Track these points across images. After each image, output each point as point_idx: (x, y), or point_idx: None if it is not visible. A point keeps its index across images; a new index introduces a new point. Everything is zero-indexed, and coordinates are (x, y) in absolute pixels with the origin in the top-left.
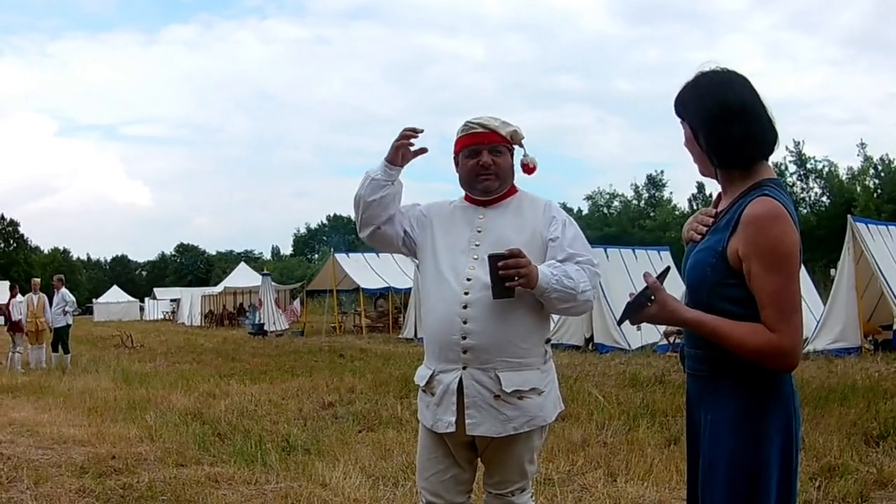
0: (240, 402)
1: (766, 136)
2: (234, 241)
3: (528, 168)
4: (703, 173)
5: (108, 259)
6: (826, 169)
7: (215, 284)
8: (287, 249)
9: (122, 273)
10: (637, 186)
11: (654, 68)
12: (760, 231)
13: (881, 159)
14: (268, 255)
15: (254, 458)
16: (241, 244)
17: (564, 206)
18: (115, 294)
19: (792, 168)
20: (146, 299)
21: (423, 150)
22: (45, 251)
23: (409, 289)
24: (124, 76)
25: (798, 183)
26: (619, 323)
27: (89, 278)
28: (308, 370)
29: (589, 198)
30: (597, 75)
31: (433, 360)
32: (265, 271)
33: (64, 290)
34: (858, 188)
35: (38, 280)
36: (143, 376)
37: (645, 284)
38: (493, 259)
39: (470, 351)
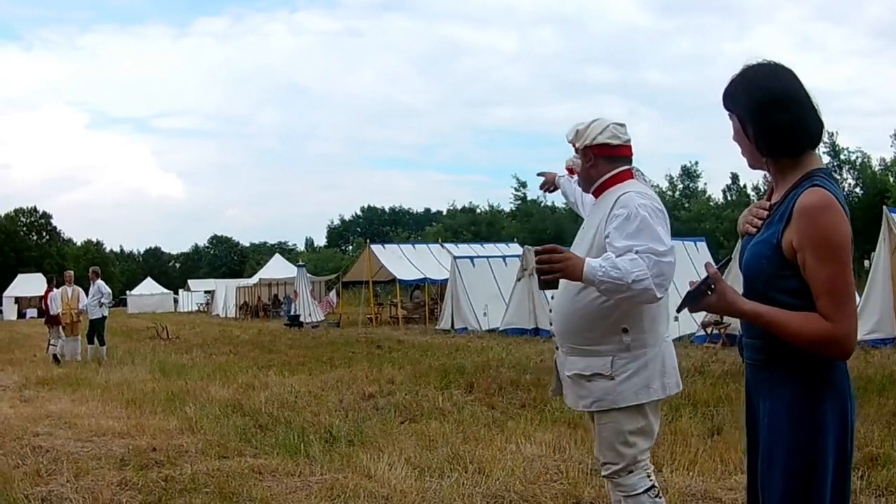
0: (279, 394)
1: (812, 125)
2: (266, 233)
3: (569, 170)
4: (752, 166)
5: (142, 251)
6: (859, 160)
7: (249, 276)
8: (321, 241)
9: (156, 265)
10: (672, 177)
11: (685, 60)
12: (812, 222)
13: None
14: (301, 247)
15: (297, 449)
16: (275, 236)
17: None
18: (148, 286)
19: (825, 159)
20: (180, 291)
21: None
22: (78, 243)
23: (446, 280)
24: (155, 69)
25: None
26: (678, 311)
27: (122, 270)
28: (346, 361)
29: None
30: (627, 67)
31: None
32: (300, 263)
33: (100, 281)
34: (892, 179)
35: (72, 272)
36: (179, 368)
37: (706, 274)
38: (534, 254)
39: (555, 335)
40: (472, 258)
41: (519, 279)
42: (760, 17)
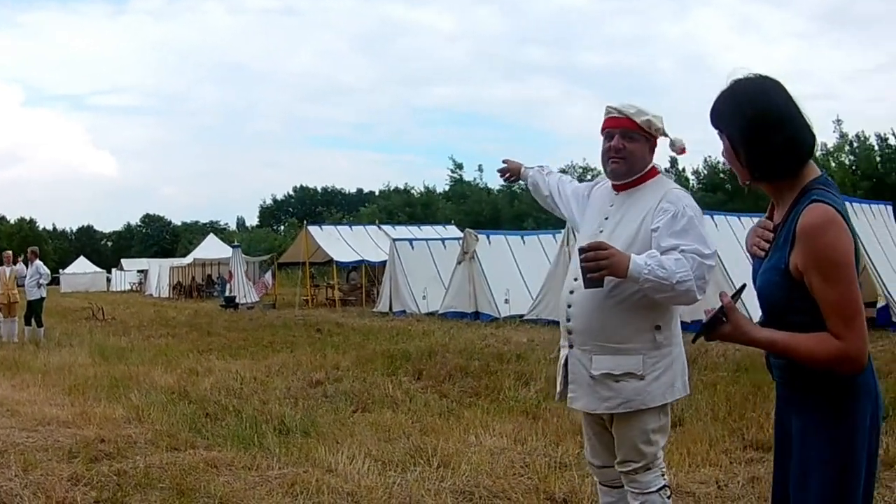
0: (224, 380)
1: (805, 139)
2: (199, 212)
3: (680, 150)
4: (743, 183)
5: (74, 229)
6: None
7: (182, 255)
8: (252, 220)
9: (88, 243)
10: None
11: (623, 41)
12: (815, 242)
13: (857, 136)
14: (233, 226)
15: (250, 441)
16: (207, 215)
17: None
18: (81, 265)
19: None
20: (113, 270)
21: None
22: (11, 221)
23: (384, 262)
24: (93, 46)
25: None
26: (694, 341)
27: (55, 249)
28: (288, 345)
29: (563, 171)
30: (565, 48)
31: (561, 335)
32: (235, 243)
33: (38, 262)
34: (833, 164)
35: (11, 252)
36: (119, 351)
37: (720, 304)
38: (579, 252)
39: (573, 332)
40: (411, 241)
41: (459, 262)
42: None
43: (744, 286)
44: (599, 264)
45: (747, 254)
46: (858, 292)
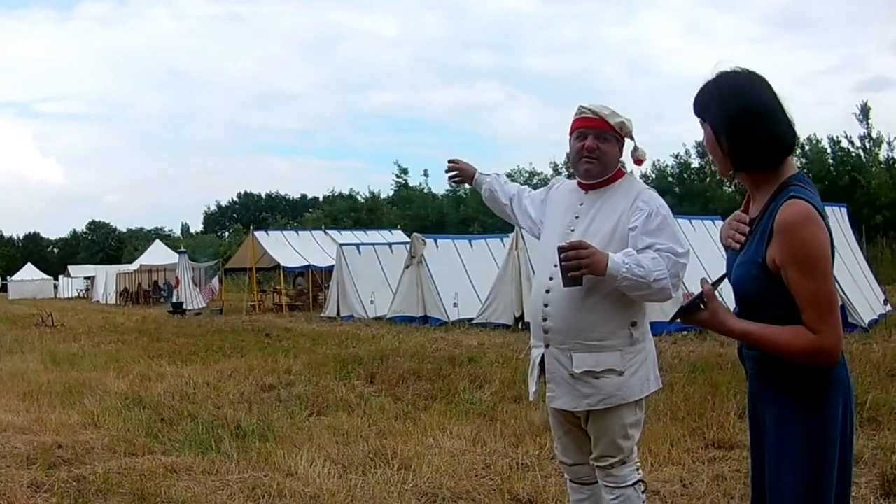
0: (177, 385)
1: (786, 135)
2: (144, 219)
3: (638, 160)
4: (723, 174)
5: (21, 236)
6: None
7: (127, 262)
8: (197, 226)
9: (35, 250)
10: (556, 165)
11: (567, 45)
12: (792, 237)
13: (808, 138)
14: (178, 232)
15: (208, 445)
16: (152, 221)
17: None
18: (28, 272)
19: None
20: (60, 277)
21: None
22: None
23: (330, 267)
24: (39, 53)
25: None
26: (671, 321)
27: (2, 256)
28: (238, 351)
29: (509, 175)
30: (509, 52)
31: (532, 335)
32: (181, 249)
33: None
34: None
35: None
36: (71, 357)
37: (700, 290)
38: (559, 251)
39: (550, 332)
40: (357, 245)
41: (407, 267)
42: (646, 2)
43: (724, 276)
44: (581, 263)
45: (720, 247)
46: (834, 287)
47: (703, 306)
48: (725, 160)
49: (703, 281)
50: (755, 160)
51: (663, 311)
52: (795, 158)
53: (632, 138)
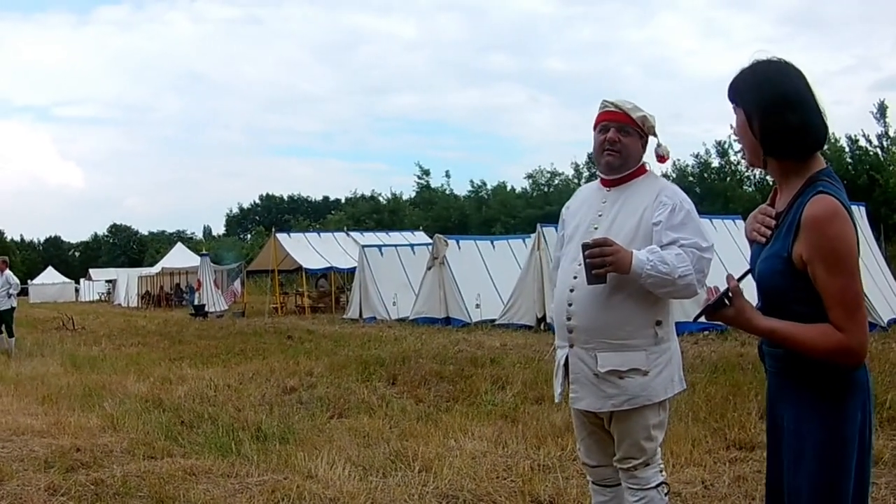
0: (198, 388)
1: (818, 127)
2: (165, 222)
3: (661, 158)
4: (751, 163)
5: (42, 240)
6: None
7: (149, 265)
8: (219, 229)
9: (56, 254)
10: (577, 165)
11: (587, 47)
12: (820, 233)
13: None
14: (200, 235)
15: (228, 448)
16: (173, 224)
17: (503, 185)
18: (49, 275)
19: (737, 146)
20: (81, 280)
21: None
22: None
23: (353, 268)
24: (57, 57)
25: (744, 161)
26: (695, 319)
27: (23, 259)
28: (260, 353)
29: (529, 176)
30: (529, 54)
31: (556, 336)
32: (203, 252)
33: (8, 272)
34: None
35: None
36: (91, 360)
37: (726, 286)
38: (583, 248)
39: (574, 331)
40: (380, 247)
41: (429, 268)
42: (664, 3)
43: (749, 271)
44: (605, 260)
45: (742, 245)
46: (861, 285)
47: (728, 303)
48: (757, 146)
49: (730, 277)
50: (786, 148)
51: (684, 311)
52: None
53: (655, 135)
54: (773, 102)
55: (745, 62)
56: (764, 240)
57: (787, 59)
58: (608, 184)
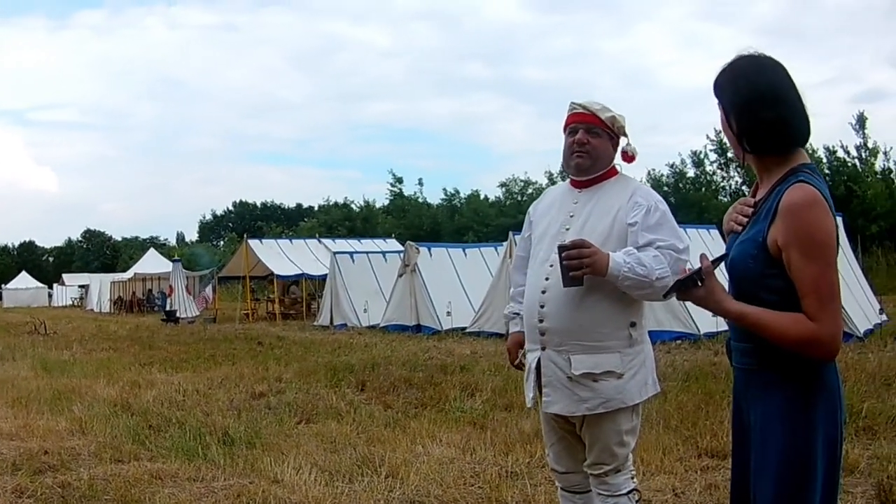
0: (167, 392)
1: (798, 123)
2: (139, 228)
3: (627, 156)
4: (737, 156)
5: (16, 245)
6: None
7: (122, 270)
8: (192, 235)
9: (30, 259)
10: (552, 174)
11: (564, 56)
12: (798, 219)
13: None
14: (173, 241)
15: (194, 452)
16: (147, 230)
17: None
18: (23, 280)
19: (713, 156)
20: (55, 285)
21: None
22: None
23: (324, 276)
24: (34, 61)
25: (719, 172)
26: (665, 296)
27: None
28: (230, 358)
29: (503, 185)
30: (505, 63)
31: (526, 339)
32: (175, 257)
33: None
34: None
35: None
36: (62, 364)
37: (699, 265)
38: (560, 249)
39: (547, 333)
40: (351, 254)
41: (401, 275)
42: (642, 14)
43: (725, 255)
44: (583, 262)
45: (715, 254)
46: (837, 277)
47: (700, 283)
48: (736, 142)
49: (703, 256)
50: (763, 143)
51: (656, 319)
52: None
53: (625, 135)
54: (748, 99)
55: (729, 58)
56: (741, 228)
57: (768, 54)
58: (579, 185)
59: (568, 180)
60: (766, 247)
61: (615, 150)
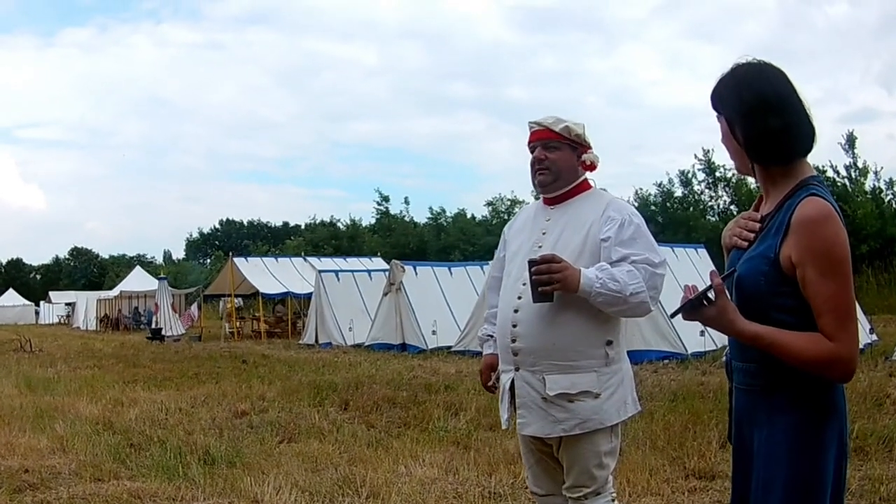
0: (149, 411)
1: (804, 131)
2: (126, 245)
3: (585, 165)
4: (739, 170)
5: (3, 262)
6: (735, 177)
7: (109, 288)
8: (179, 253)
9: (17, 276)
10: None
11: (549, 76)
12: (814, 234)
13: None
14: (160, 259)
15: (175, 471)
16: (134, 248)
17: (462, 212)
18: (10, 297)
19: (701, 176)
20: (41, 303)
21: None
22: None
23: (309, 294)
24: (20, 79)
25: (707, 191)
26: (672, 316)
27: None
28: (213, 377)
29: (489, 204)
30: (490, 83)
31: (500, 359)
32: (161, 275)
33: None
34: None
35: None
36: (45, 382)
37: (708, 283)
38: (529, 264)
39: (520, 353)
40: (336, 272)
41: (386, 294)
42: (629, 34)
43: (734, 271)
44: (552, 277)
45: (704, 275)
46: (853, 294)
47: (707, 303)
48: (742, 153)
49: (713, 274)
50: (771, 152)
51: (643, 339)
52: None
53: (585, 143)
54: (754, 106)
55: (726, 68)
56: (745, 244)
57: (767, 60)
58: (551, 202)
59: (541, 198)
60: (778, 263)
61: (579, 160)
